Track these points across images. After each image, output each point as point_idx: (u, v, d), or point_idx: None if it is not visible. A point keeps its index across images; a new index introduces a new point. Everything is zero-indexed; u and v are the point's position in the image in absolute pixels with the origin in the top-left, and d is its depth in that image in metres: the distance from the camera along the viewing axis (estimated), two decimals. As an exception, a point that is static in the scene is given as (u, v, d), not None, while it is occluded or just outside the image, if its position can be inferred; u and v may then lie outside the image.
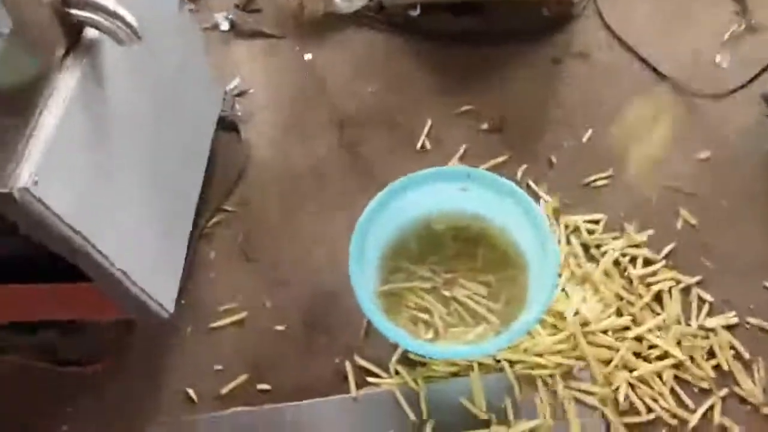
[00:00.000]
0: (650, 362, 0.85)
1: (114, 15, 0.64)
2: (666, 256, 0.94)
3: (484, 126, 1.12)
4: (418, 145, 1.10)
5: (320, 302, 0.95)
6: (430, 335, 0.86)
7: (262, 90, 1.20)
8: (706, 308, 0.89)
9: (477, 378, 0.83)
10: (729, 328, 0.88)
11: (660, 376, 0.84)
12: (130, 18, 0.65)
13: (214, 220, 1.05)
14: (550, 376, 0.84)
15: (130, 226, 0.77)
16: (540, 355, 0.85)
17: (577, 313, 0.88)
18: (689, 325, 0.88)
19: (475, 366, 0.84)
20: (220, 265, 1.01)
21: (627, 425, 0.81)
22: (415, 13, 1.20)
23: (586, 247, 0.96)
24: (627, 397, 0.83)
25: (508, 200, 0.87)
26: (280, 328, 0.94)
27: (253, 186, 1.09)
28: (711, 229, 0.97)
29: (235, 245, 1.03)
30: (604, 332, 0.87)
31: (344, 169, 1.09)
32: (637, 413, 0.82)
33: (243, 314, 0.95)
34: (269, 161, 1.12)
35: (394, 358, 0.87)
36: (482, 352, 0.81)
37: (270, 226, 1.04)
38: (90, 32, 0.68)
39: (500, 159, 1.07)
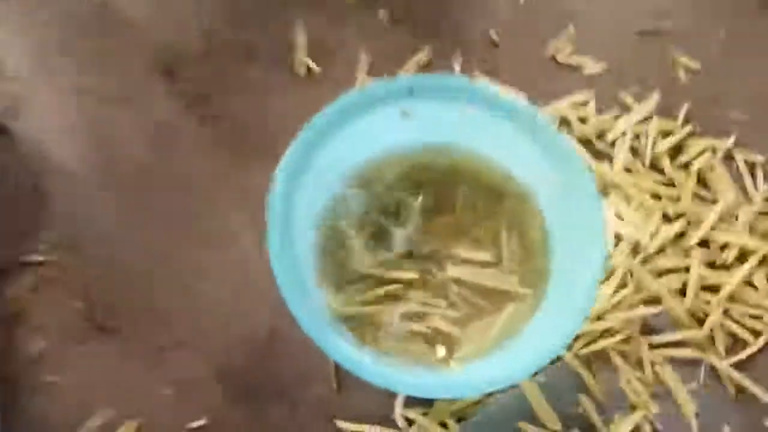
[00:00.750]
0: (729, 269, 0.62)
1: None
2: (685, 121, 0.70)
3: (383, 16, 0.77)
4: (301, 69, 0.73)
5: (252, 357, 0.59)
6: (441, 352, 0.55)
7: (24, 58, 0.74)
8: (759, 173, 0.67)
9: (533, 387, 0.55)
10: (796, 188, 0.67)
11: (750, 283, 0.61)
12: None
13: (25, 286, 0.63)
14: (625, 340, 0.57)
15: None
16: (601, 318, 0.58)
17: (619, 238, 0.62)
18: (751, 201, 0.66)
19: (524, 370, 0.55)
20: (59, 355, 0.60)
21: (736, 365, 0.58)
22: None
23: (586, 142, 0.68)
24: (724, 327, 0.59)
25: (474, 108, 0.57)
26: (198, 423, 0.57)
27: (67, 211, 0.67)
28: (720, 70, 0.73)
29: (75, 314, 0.62)
30: (661, 251, 0.62)
31: (203, 141, 0.70)
32: (744, 344, 0.59)
33: (135, 422, 0.57)
34: (79, 163, 0.69)
35: (398, 406, 0.56)
36: (542, 362, 0.49)
37: (122, 262, 0.64)
38: None
39: (421, 56, 0.74)
